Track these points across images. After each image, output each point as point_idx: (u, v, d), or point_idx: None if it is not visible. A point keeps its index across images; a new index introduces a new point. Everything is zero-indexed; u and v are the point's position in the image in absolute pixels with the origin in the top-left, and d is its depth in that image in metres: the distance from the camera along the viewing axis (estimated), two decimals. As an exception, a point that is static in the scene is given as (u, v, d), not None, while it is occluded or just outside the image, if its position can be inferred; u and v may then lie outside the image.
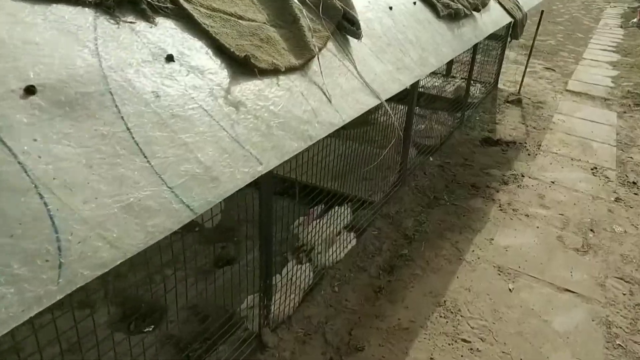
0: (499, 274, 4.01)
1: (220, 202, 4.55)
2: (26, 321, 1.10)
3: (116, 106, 1.54)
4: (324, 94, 2.31)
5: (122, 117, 1.52)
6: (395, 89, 2.88)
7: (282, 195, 4.50)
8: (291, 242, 4.24)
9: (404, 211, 4.75)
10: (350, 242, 4.15)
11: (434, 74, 7.97)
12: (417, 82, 4.51)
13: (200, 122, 1.70)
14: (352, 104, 2.45)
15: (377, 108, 6.99)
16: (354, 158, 4.49)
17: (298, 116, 2.09)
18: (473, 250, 4.28)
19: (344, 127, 3.18)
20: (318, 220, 4.09)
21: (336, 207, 4.29)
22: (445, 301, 3.65)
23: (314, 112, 2.17)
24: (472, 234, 4.53)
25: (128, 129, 1.51)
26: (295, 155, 2.62)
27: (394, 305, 3.57)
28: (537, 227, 4.68)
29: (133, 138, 1.50)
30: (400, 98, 4.52)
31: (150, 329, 3.43)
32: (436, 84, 8.09)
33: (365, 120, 6.50)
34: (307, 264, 3.79)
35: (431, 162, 5.79)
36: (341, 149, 4.02)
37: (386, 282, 3.79)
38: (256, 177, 1.75)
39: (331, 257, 3.89)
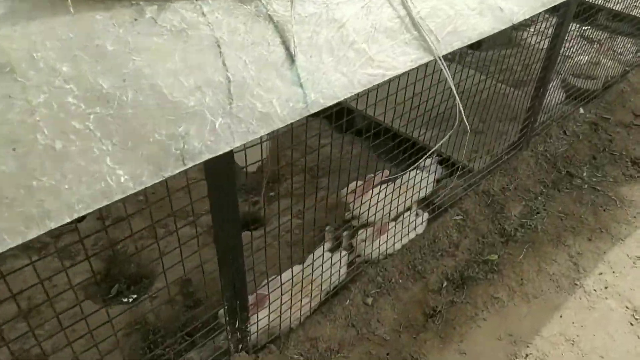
0: (632, 324, 2.61)
1: (266, 138, 3.62)
2: None
3: None
4: (285, 43, 1.13)
5: None
6: (482, 30, 1.55)
7: (358, 136, 3.37)
8: (338, 213, 3.21)
9: (513, 190, 3.36)
10: (416, 227, 2.99)
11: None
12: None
13: None
14: (352, 65, 1.23)
15: (527, 23, 5.17)
16: (469, 99, 3.07)
17: (175, 101, 0.98)
18: (601, 273, 2.86)
19: (469, 46, 2.00)
20: (380, 188, 2.96)
21: (416, 171, 3.08)
22: (527, 355, 2.43)
23: (228, 89, 1.03)
24: (607, 243, 3.05)
25: None
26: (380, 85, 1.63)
27: (445, 344, 2.46)
28: None
29: None
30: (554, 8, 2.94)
31: (131, 300, 2.79)
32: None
33: (507, 40, 4.83)
34: (344, 253, 2.77)
35: (580, 115, 4.10)
36: (452, 83, 2.64)
37: (447, 302, 2.64)
38: None
39: (380, 248, 2.81)
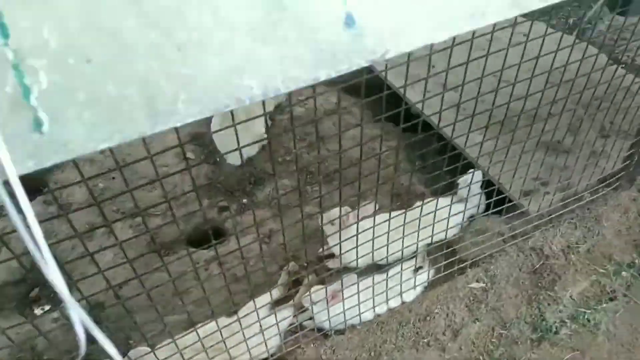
0: None
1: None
2: None
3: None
4: None
5: None
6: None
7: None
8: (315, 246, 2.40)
9: (584, 253, 2.23)
10: (405, 290, 2.08)
11: None
12: None
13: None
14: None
15: None
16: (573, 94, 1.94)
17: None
18: None
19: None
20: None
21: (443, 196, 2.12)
22: None
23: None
24: None
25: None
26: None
27: None
28: None
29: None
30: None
31: (41, 311, 2.36)
32: None
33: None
34: (287, 313, 2.03)
35: None
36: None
37: None
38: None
39: (339, 315, 2.00)
